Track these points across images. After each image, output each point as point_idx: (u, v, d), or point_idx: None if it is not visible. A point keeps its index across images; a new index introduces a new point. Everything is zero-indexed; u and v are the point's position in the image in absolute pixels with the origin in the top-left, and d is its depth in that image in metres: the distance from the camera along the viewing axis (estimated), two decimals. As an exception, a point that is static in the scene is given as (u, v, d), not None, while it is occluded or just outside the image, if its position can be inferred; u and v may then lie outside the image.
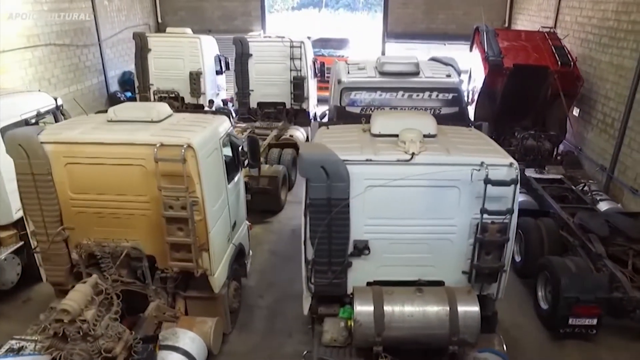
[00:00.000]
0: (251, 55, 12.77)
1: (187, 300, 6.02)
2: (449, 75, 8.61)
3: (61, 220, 5.46)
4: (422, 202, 4.92)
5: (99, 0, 14.65)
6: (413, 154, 4.82)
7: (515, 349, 5.93)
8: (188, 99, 13.31)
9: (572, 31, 12.59)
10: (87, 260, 5.59)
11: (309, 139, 12.47)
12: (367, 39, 24.14)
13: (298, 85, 12.87)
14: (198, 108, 12.82)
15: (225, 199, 6.11)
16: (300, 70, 12.77)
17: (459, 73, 8.91)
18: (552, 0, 13.94)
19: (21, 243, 7.08)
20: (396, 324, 4.66)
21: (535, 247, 7.53)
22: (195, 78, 13.10)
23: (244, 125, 12.20)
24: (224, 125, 6.26)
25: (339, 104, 8.42)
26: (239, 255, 6.72)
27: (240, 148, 6.78)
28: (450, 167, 4.81)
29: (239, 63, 12.81)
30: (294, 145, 11.53)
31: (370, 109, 8.18)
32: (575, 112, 12.08)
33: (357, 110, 8.32)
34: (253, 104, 13.20)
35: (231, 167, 6.44)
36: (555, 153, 11.28)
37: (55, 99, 8.00)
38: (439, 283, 5.14)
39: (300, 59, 12.67)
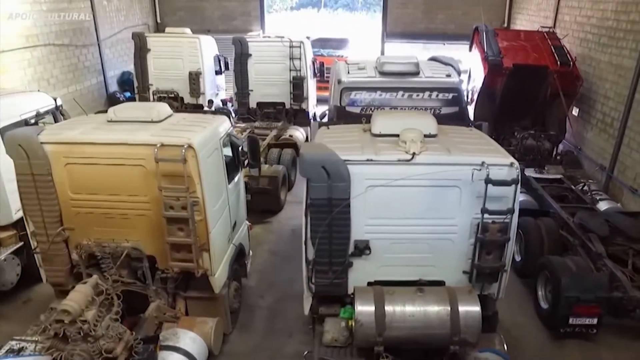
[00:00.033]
0: (250, 55, 12.77)
1: (187, 300, 6.01)
2: (449, 75, 8.61)
3: (61, 221, 5.45)
4: (423, 202, 4.92)
5: (97, 0, 14.64)
6: (414, 153, 4.82)
7: (515, 348, 5.93)
8: (187, 99, 13.31)
9: (571, 31, 12.60)
10: (88, 261, 5.58)
11: (309, 139, 12.47)
12: (366, 38, 24.13)
13: (297, 85, 12.87)
14: (197, 108, 12.81)
15: (225, 199, 6.10)
16: (300, 70, 12.77)
17: (458, 73, 8.92)
18: (552, 0, 13.96)
19: (21, 243, 7.06)
20: (397, 324, 4.66)
21: (535, 246, 7.53)
22: (194, 78, 13.09)
23: (243, 125, 12.19)
24: (224, 125, 6.26)
25: (339, 104, 8.41)
26: (239, 256, 6.71)
27: (240, 148, 6.77)
28: (451, 167, 4.81)
29: (238, 63, 12.81)
30: (293, 145, 11.53)
31: (370, 108, 8.18)
32: (575, 111, 12.09)
33: (357, 110, 8.32)
34: (252, 104, 13.20)
35: (231, 167, 6.43)
36: (554, 153, 11.29)
37: (55, 99, 7.98)
38: (440, 283, 5.14)
39: (300, 59, 12.67)
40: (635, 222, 7.38)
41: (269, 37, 14.19)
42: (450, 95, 8.41)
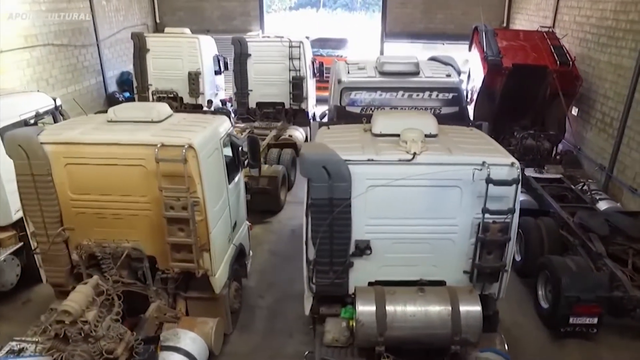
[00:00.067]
0: (250, 55, 12.77)
1: (188, 300, 6.00)
2: (448, 75, 8.61)
3: (61, 221, 5.44)
4: (423, 202, 4.92)
5: (97, 0, 14.61)
6: (415, 153, 4.82)
7: (516, 348, 5.92)
8: (187, 99, 13.30)
9: (570, 31, 12.61)
10: (88, 261, 5.57)
11: (308, 139, 12.47)
12: (366, 38, 24.14)
13: (297, 85, 12.88)
14: (197, 108, 12.79)
15: (226, 199, 6.10)
16: (299, 70, 12.78)
17: (458, 73, 8.92)
18: (551, 0, 13.97)
19: (21, 244, 7.05)
20: (398, 323, 4.66)
21: (536, 246, 7.53)
22: (194, 78, 13.10)
23: (243, 125, 12.19)
24: (224, 125, 6.25)
25: (339, 104, 8.41)
26: (240, 256, 6.71)
27: (240, 148, 6.77)
28: (452, 167, 4.81)
29: (237, 63, 12.81)
30: (293, 145, 11.53)
31: (370, 108, 8.18)
32: (574, 111, 12.10)
33: (357, 110, 8.32)
34: (252, 104, 13.20)
35: (232, 167, 6.43)
36: (554, 152, 11.29)
37: (54, 100, 7.97)
38: (441, 283, 5.14)
39: (299, 59, 12.67)
40: (635, 222, 7.39)
41: (268, 37, 14.18)
42: (450, 95, 8.41)
